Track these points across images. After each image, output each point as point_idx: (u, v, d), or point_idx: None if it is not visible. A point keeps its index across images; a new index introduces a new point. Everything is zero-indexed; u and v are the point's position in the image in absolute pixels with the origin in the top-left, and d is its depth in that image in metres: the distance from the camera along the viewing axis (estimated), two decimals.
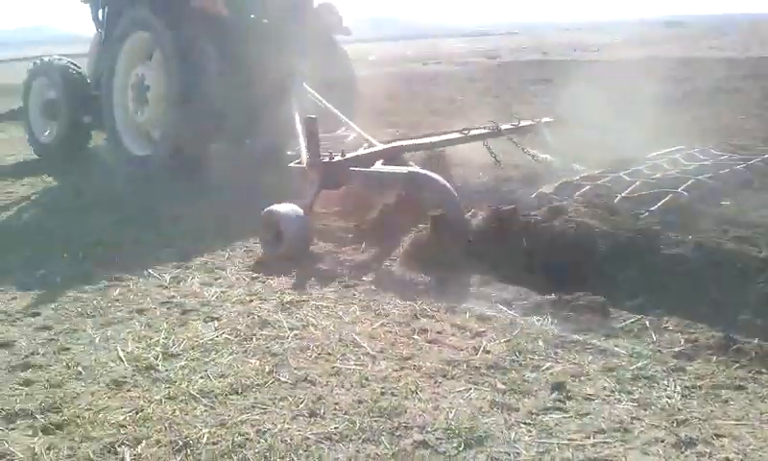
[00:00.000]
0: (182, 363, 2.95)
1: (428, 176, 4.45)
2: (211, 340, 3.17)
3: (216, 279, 4.04)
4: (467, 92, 14.12)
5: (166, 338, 3.20)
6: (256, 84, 6.58)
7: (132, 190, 6.29)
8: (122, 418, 2.50)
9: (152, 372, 2.88)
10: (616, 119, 7.00)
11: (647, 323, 3.14)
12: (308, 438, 2.33)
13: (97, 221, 5.41)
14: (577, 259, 3.66)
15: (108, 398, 2.67)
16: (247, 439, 2.33)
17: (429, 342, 3.08)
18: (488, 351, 2.95)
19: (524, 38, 47.05)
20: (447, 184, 4.37)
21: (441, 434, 2.34)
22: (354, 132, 5.92)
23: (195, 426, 2.42)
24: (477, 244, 3.99)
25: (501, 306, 3.44)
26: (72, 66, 8.31)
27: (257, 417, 2.48)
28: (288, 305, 3.57)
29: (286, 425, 2.41)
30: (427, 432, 2.35)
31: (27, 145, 8.69)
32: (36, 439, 2.38)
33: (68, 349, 3.13)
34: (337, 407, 2.53)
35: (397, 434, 2.34)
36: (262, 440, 2.32)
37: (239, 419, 2.46)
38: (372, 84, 15.73)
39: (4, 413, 2.56)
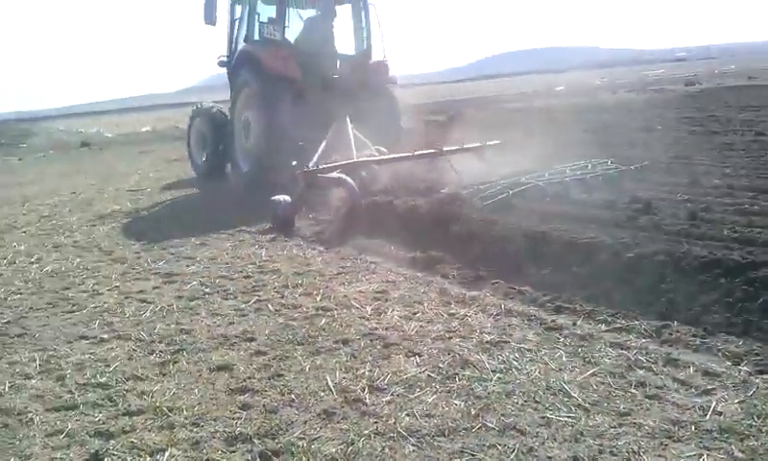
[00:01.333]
0: (388, 398, 2.97)
1: (347, 181, 6.62)
2: (414, 376, 3.17)
3: (414, 314, 4.07)
4: (665, 121, 13.27)
5: (371, 371, 3.26)
6: (320, 124, 8.47)
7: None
8: (334, 450, 2.56)
9: (359, 404, 2.92)
10: None
11: None
12: None
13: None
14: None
15: (320, 428, 2.75)
16: None
17: (649, 397, 2.82)
18: (719, 412, 2.65)
19: (724, 62, 43.48)
20: (355, 186, 6.54)
21: None
22: (372, 150, 8.10)
23: None
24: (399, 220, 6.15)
25: (729, 363, 3.09)
26: (218, 110, 11.11)
27: None
28: (489, 346, 3.49)
29: None
30: None
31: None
32: None
33: (282, 375, 3.29)
34: None
35: None
36: None
37: None
38: (561, 115, 15.38)
39: (225, 435, 2.73)
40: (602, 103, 21.61)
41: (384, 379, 3.15)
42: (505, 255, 4.90)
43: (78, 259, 6.06)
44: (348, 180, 6.63)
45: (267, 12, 9.77)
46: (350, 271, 5.10)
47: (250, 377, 3.29)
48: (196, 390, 3.19)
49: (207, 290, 4.85)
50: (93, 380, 3.37)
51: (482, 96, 42.11)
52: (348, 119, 8.31)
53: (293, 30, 10.14)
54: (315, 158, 7.42)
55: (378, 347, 3.57)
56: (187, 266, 5.57)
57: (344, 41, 10.45)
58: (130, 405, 3.06)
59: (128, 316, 4.37)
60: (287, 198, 6.90)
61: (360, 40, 10.20)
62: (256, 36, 9.69)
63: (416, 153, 7.71)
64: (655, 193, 6.20)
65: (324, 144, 7.92)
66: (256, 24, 9.72)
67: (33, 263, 6.06)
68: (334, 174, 6.90)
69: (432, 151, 7.86)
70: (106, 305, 4.63)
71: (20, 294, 5.09)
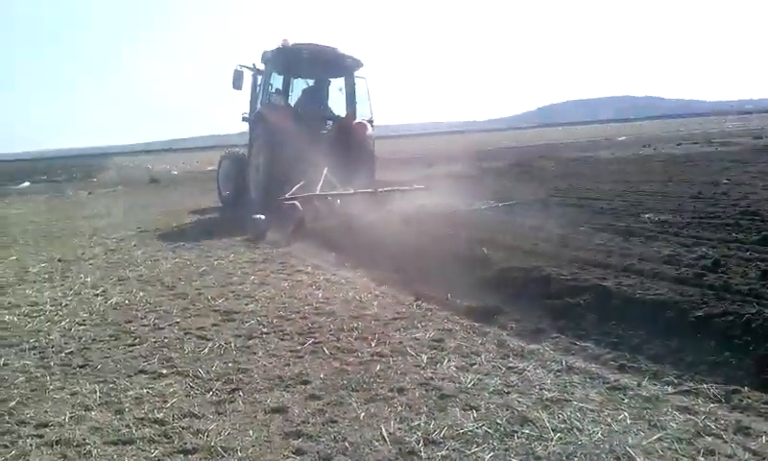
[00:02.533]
0: (444, 452, 2.90)
1: (296, 205, 9.52)
2: (471, 431, 3.09)
3: (471, 365, 3.98)
4: (732, 175, 12.88)
5: (426, 423, 3.19)
6: (308, 167, 10.98)
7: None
8: None
9: (414, 457, 2.86)
10: None
11: None
12: None
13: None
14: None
15: None
16: None
17: None
18: None
19: None
20: (301, 210, 9.43)
21: None
22: (339, 190, 10.68)
23: None
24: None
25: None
26: (241, 153, 13.95)
27: None
28: (549, 403, 3.38)
29: None
30: None
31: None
32: None
33: (336, 421, 3.26)
34: None
35: None
36: None
37: None
38: (625, 166, 15.13)
39: None
40: (667, 155, 21.16)
41: (440, 432, 3.08)
42: (567, 309, 4.78)
43: (141, 293, 6.21)
44: (298, 205, 9.57)
45: (278, 82, 12.97)
46: (406, 317, 5.07)
47: (304, 422, 3.27)
48: (251, 431, 3.18)
49: (265, 330, 4.88)
50: (150, 415, 3.41)
51: (546, 143, 41.92)
52: (325, 166, 10.94)
53: (295, 96, 13.29)
54: (288, 193, 10.08)
55: (434, 398, 3.50)
56: (246, 304, 5.63)
57: (335, 105, 13.57)
58: (185, 443, 3.08)
59: (187, 352, 4.43)
60: (262, 216, 9.49)
61: (349, 105, 13.08)
62: (269, 101, 12.83)
63: (357, 191, 10.59)
64: (722, 250, 5.97)
65: (301, 183, 10.55)
66: (269, 92, 12.93)
67: (98, 295, 6.24)
68: (292, 202, 9.74)
69: (369, 191, 10.75)
70: (166, 340, 4.71)
71: (84, 325, 5.23)
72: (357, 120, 12.79)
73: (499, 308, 5.01)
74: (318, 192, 10.33)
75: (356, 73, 13.04)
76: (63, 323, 5.31)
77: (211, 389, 3.75)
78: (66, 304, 5.93)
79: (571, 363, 3.94)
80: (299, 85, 13.42)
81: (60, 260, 8.32)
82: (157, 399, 3.63)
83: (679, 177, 13.23)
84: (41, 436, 3.22)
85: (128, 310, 5.63)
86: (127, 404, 3.57)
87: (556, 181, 14.39)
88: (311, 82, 13.54)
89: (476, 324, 4.79)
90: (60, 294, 6.37)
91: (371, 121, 12.94)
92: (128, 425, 3.30)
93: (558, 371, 3.83)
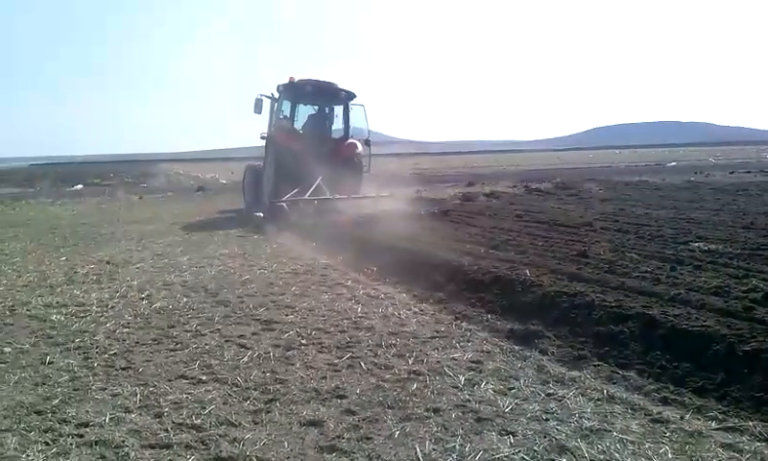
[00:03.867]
0: None
1: (283, 206, 12.63)
2: (507, 457, 3.05)
3: (510, 389, 3.93)
4: None
5: (462, 445, 3.16)
6: (307, 177, 13.78)
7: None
8: None
9: None
10: None
11: None
12: None
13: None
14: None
15: None
16: None
17: None
18: None
19: None
20: (287, 210, 12.67)
21: None
22: (328, 195, 13.61)
23: None
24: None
25: None
26: (260, 165, 15.94)
27: None
28: (588, 433, 3.31)
29: None
30: None
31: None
32: None
33: (370, 438, 3.25)
34: None
35: None
36: None
37: None
38: (676, 193, 14.80)
39: None
40: (718, 182, 20.64)
41: (475, 456, 3.04)
42: (610, 336, 4.68)
43: (185, 299, 6.32)
44: (285, 207, 12.79)
45: (287, 109, 15.89)
46: (445, 336, 5.03)
47: (339, 437, 3.27)
48: (286, 443, 3.20)
49: (303, 341, 4.91)
50: (189, 421, 3.45)
51: (592, 166, 41.35)
52: (320, 179, 13.74)
53: (302, 120, 16.21)
54: (286, 197, 13.16)
55: (470, 420, 3.46)
56: (286, 315, 5.68)
57: (334, 128, 16.35)
58: (221, 451, 3.11)
59: (226, 359, 4.48)
60: (261, 214, 13.01)
61: (344, 128, 15.95)
62: (280, 124, 15.56)
63: (336, 196, 13.61)
64: None
65: (296, 190, 13.45)
66: (279, 117, 15.74)
67: (143, 299, 6.37)
68: (279, 203, 12.91)
69: (344, 197, 13.73)
70: (207, 347, 4.78)
71: (128, 328, 5.35)
72: (350, 140, 15.74)
73: (540, 332, 4.94)
74: (305, 197, 13.31)
75: (351, 103, 15.91)
76: (108, 324, 5.44)
77: (249, 398, 3.78)
78: (112, 306, 6.07)
79: (613, 392, 3.86)
80: (304, 112, 16.36)
81: (108, 263, 8.54)
82: (196, 404, 3.68)
83: (730, 206, 12.87)
84: (82, 436, 3.30)
85: (171, 315, 5.74)
86: (166, 409, 3.63)
87: (603, 204, 14.16)
88: (314, 109, 16.49)
89: (516, 347, 4.73)
90: (106, 296, 6.53)
91: (367, 140, 15.88)
92: (166, 430, 3.35)
93: (599, 400, 3.75)
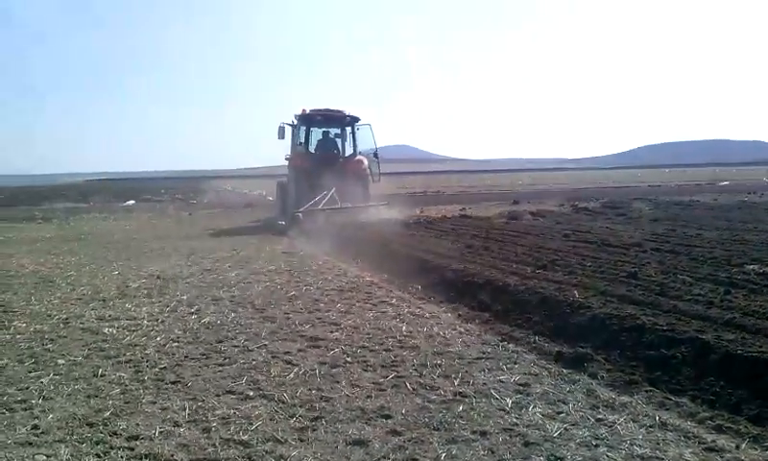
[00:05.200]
0: None
1: (298, 215, 15.21)
2: None
3: (558, 413, 3.85)
4: None
5: None
6: (320, 191, 16.26)
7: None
8: None
9: None
10: None
11: None
12: None
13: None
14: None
15: None
16: None
17: None
18: None
19: None
20: (302, 218, 15.16)
21: None
22: (339, 204, 16.33)
23: None
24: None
25: None
26: (286, 182, 19.18)
27: None
28: (639, 460, 3.22)
29: None
30: None
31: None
32: None
33: (416, 460, 3.22)
34: None
35: None
36: None
37: None
38: (728, 214, 14.40)
39: None
40: None
41: None
42: (662, 361, 4.56)
43: (233, 314, 6.41)
44: (300, 214, 15.17)
45: (302, 135, 18.71)
46: (491, 357, 4.98)
47: (384, 457, 3.26)
48: None
49: (349, 359, 4.92)
50: (236, 437, 3.49)
51: (640, 185, 40.60)
52: (333, 190, 16.28)
53: (314, 142, 19.07)
54: (302, 208, 15.53)
55: (518, 444, 3.41)
56: (331, 332, 5.70)
57: (343, 147, 19.29)
58: None
59: (273, 375, 4.52)
60: (283, 222, 15.97)
61: (352, 148, 18.89)
62: (296, 148, 18.62)
63: (341, 206, 16.16)
64: None
65: (311, 202, 15.89)
66: (296, 143, 18.64)
67: (192, 314, 6.49)
68: (296, 212, 15.30)
69: (349, 205, 16.36)
70: (254, 362, 4.83)
71: (178, 342, 5.45)
72: (357, 157, 18.49)
73: (590, 355, 4.84)
74: (319, 208, 15.78)
75: (358, 124, 18.76)
76: (159, 338, 5.55)
77: (295, 415, 3.80)
78: (162, 321, 6.20)
79: (665, 419, 3.74)
80: (317, 135, 19.29)
81: (158, 277, 8.73)
82: (243, 420, 3.72)
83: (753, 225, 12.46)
84: (132, 449, 3.36)
85: (219, 330, 5.82)
86: (214, 424, 3.68)
87: (653, 224, 13.85)
88: (325, 132, 19.48)
89: (565, 370, 4.64)
90: (157, 310, 6.67)
91: (375, 153, 18.89)
92: (214, 445, 3.39)
93: (650, 426, 3.64)
